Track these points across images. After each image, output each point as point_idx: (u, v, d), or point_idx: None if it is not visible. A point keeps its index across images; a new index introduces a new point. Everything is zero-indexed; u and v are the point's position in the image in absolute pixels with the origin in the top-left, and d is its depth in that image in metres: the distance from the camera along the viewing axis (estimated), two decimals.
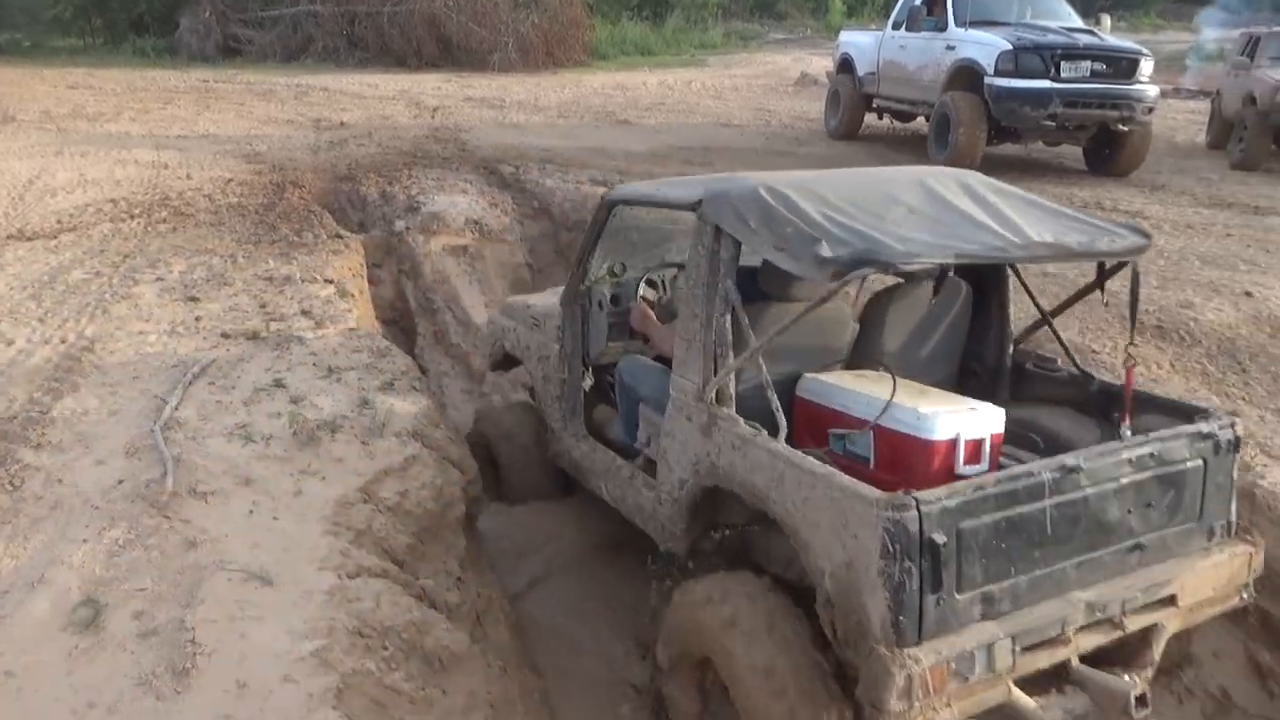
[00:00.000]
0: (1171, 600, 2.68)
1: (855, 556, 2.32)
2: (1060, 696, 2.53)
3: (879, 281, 3.24)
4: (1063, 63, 8.90)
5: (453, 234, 7.36)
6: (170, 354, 4.38)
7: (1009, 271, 3.44)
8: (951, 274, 3.33)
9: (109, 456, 3.39)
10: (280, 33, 21.04)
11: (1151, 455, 2.65)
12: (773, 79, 18.79)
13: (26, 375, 4.13)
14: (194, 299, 5.18)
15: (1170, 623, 2.71)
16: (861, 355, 3.23)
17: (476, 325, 6.56)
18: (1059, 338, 3.40)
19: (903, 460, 2.73)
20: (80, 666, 2.39)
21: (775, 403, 2.71)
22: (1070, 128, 9.20)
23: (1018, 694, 2.44)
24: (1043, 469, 2.46)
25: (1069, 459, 2.52)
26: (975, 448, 2.71)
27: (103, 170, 8.80)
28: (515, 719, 2.94)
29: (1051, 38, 9.25)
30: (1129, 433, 2.81)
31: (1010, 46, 8.99)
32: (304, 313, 5.02)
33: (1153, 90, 9.13)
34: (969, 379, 3.46)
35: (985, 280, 3.44)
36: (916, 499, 2.24)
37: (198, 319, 4.87)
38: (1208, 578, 2.76)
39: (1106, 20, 11.01)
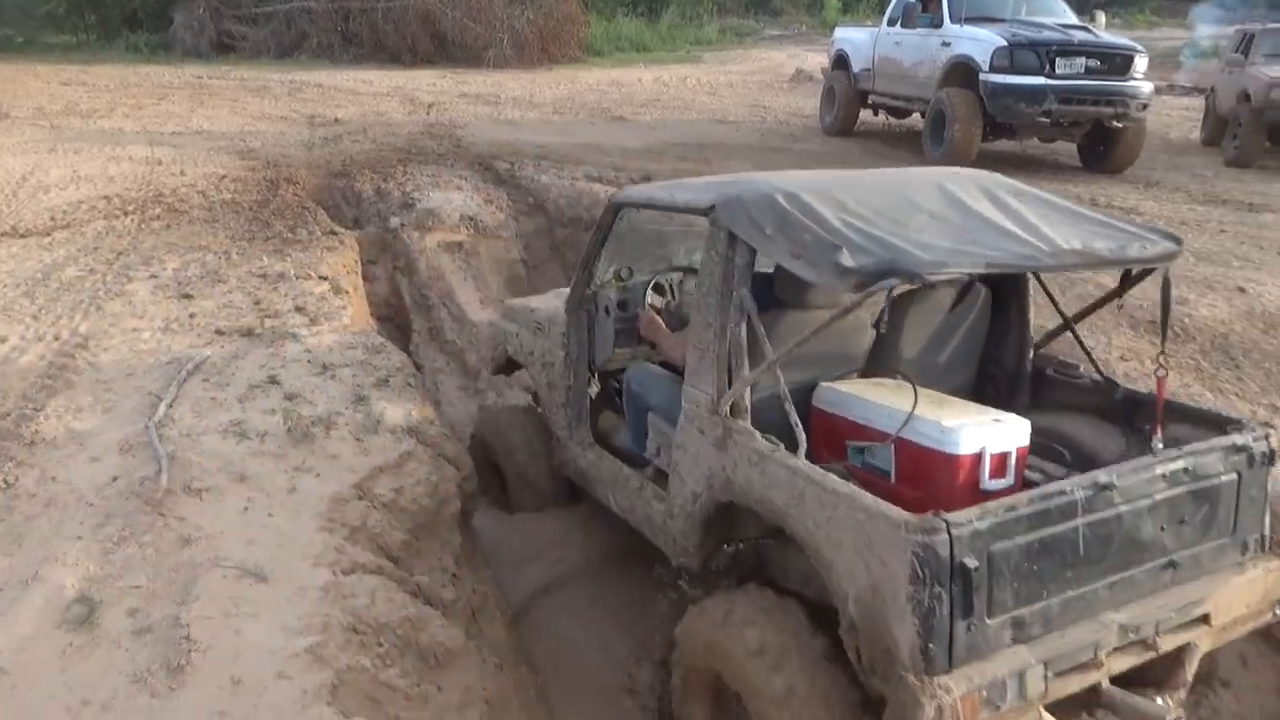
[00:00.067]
0: (1205, 619, 2.59)
1: (882, 581, 2.22)
2: None
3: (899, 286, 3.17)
4: (1058, 59, 8.92)
5: (448, 230, 7.35)
6: (164, 351, 4.37)
7: (1029, 275, 3.32)
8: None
9: (103, 453, 3.38)
10: (274, 29, 21.02)
11: (1185, 470, 2.55)
12: (768, 75, 18.79)
13: (20, 372, 4.12)
14: (188, 296, 5.17)
15: (1203, 642, 2.62)
16: (878, 362, 3.12)
17: (471, 322, 6.54)
18: (1081, 343, 3.30)
19: (925, 474, 2.63)
20: (74, 664, 2.38)
21: (794, 417, 2.61)
22: (1065, 124, 9.22)
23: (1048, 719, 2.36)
24: (1075, 487, 2.36)
25: (1102, 476, 2.42)
26: (1000, 461, 2.62)
27: (96, 167, 8.77)
28: (510, 715, 2.93)
29: (1046, 34, 9.27)
30: (1160, 445, 2.70)
31: (1005, 43, 9.00)
32: (298, 309, 5.01)
33: (1147, 87, 9.14)
34: (987, 384, 3.36)
35: (1004, 284, 3.31)
36: (947, 521, 2.14)
37: (192, 316, 4.86)
38: (1241, 594, 2.67)
39: (1101, 17, 11.06)
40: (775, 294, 2.97)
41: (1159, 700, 2.53)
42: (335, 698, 2.34)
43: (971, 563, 2.15)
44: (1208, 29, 18.54)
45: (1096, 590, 2.42)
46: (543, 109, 13.69)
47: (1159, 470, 2.51)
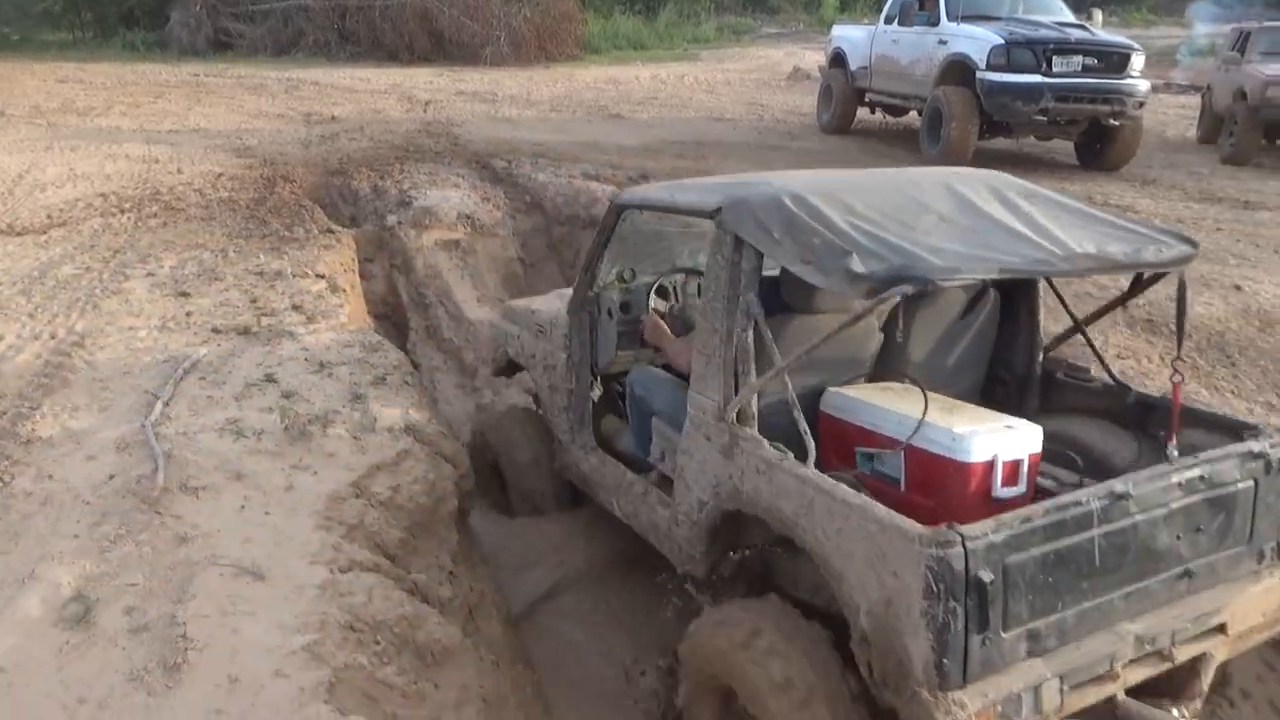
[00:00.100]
0: (1221, 628, 2.54)
1: (895, 594, 2.18)
2: None
3: None
4: (1054, 57, 8.93)
5: (445, 228, 7.34)
6: (161, 349, 4.37)
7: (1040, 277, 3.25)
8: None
9: (100, 452, 3.38)
10: (271, 27, 20.99)
11: (1202, 478, 2.50)
12: (765, 73, 18.80)
13: (16, 371, 4.12)
14: (185, 294, 5.16)
15: (1219, 651, 2.58)
16: (886, 366, 3.06)
17: (469, 320, 6.54)
18: (1093, 346, 3.25)
19: (936, 482, 2.59)
20: (71, 662, 2.38)
21: (803, 424, 2.56)
22: (1062, 122, 9.24)
23: None
24: (1090, 497, 2.32)
25: (1118, 485, 2.37)
26: (1013, 469, 2.57)
27: (93, 165, 8.76)
28: (508, 713, 2.94)
29: (1043, 32, 9.29)
30: (1175, 452, 2.64)
31: (1002, 41, 9.02)
32: (295, 308, 5.01)
33: (1144, 85, 9.17)
34: (996, 387, 3.31)
35: (1014, 286, 3.25)
36: (961, 534, 2.09)
37: (188, 314, 4.86)
38: (1258, 603, 2.63)
39: (1098, 15, 11.06)
40: (782, 298, 2.91)
41: (1174, 711, 2.49)
42: (332, 695, 2.34)
43: (987, 576, 2.11)
44: (1204, 27, 18.58)
45: (1112, 601, 2.38)
46: (540, 107, 13.69)
47: (1175, 479, 2.46)
